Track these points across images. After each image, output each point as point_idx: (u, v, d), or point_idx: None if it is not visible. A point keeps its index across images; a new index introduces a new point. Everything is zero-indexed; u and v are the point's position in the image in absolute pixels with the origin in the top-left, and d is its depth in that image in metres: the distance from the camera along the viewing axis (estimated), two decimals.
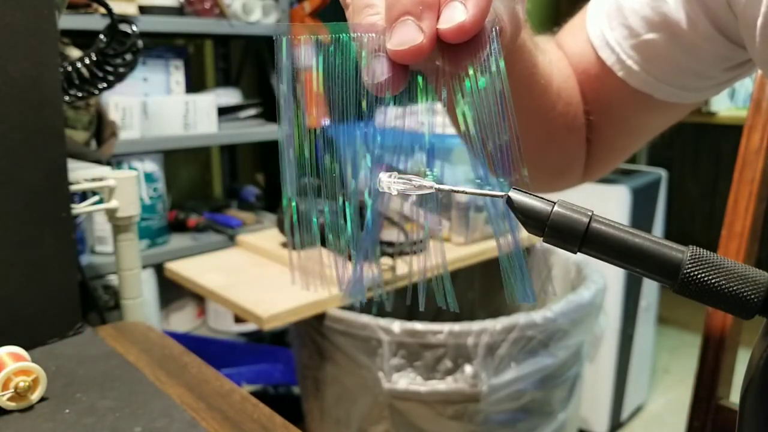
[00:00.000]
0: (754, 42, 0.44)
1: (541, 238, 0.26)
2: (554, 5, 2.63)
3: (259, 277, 1.18)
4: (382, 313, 1.11)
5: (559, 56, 0.55)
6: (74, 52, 0.93)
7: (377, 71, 0.31)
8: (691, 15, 0.47)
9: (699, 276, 0.24)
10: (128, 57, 0.75)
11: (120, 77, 0.76)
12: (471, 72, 0.31)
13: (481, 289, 1.64)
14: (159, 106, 1.55)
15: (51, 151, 0.57)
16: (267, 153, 2.06)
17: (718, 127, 2.42)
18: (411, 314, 1.61)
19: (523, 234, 0.28)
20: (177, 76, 1.66)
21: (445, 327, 1.06)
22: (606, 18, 0.52)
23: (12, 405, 0.46)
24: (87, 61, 0.74)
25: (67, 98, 0.75)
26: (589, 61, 0.54)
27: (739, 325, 0.68)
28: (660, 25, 0.49)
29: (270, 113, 1.82)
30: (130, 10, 1.46)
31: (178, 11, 1.58)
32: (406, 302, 0.35)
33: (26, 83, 0.54)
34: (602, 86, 0.54)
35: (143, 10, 1.52)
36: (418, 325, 1.06)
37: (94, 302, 1.02)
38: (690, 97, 0.52)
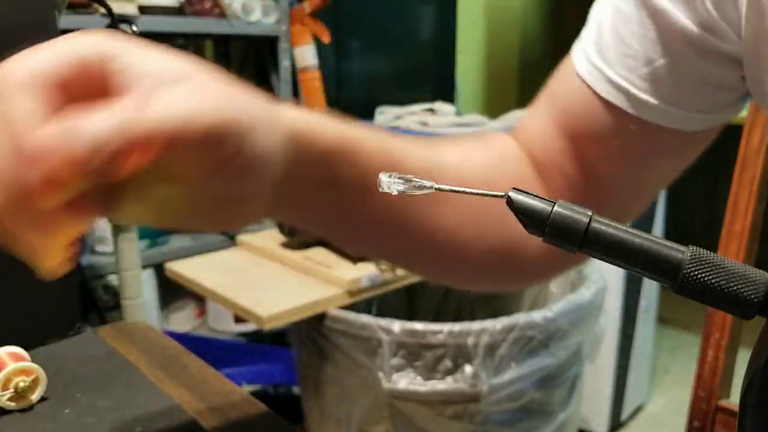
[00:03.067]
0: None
1: (542, 238, 0.26)
2: (554, 5, 2.64)
3: (259, 277, 1.18)
4: (382, 313, 1.11)
5: (486, 147, 0.48)
6: None
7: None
8: (700, 13, 0.41)
9: (699, 276, 0.24)
10: None
11: None
12: None
13: None
14: None
15: None
16: None
17: None
18: (411, 314, 1.61)
19: None
20: None
21: (445, 327, 1.06)
22: (599, 54, 0.44)
23: (12, 405, 0.46)
24: None
25: None
26: (590, 116, 0.45)
27: (739, 325, 0.68)
28: (670, 38, 0.42)
29: None
30: (130, 10, 1.46)
31: (178, 11, 1.58)
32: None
33: None
34: (623, 139, 0.45)
35: (143, 10, 1.51)
36: (418, 325, 1.06)
37: (94, 302, 1.02)
38: (715, 119, 0.45)
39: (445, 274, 0.51)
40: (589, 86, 0.45)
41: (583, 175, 0.48)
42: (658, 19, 0.42)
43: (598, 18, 0.45)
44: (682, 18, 0.41)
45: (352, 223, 0.42)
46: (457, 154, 0.46)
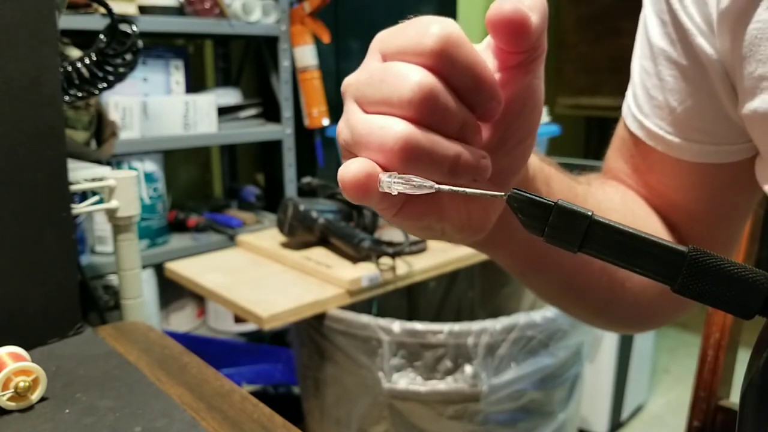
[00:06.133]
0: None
1: (542, 238, 0.26)
2: (554, 5, 2.64)
3: (259, 277, 1.18)
4: (382, 313, 1.11)
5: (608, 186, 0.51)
6: (74, 52, 0.93)
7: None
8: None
9: (699, 276, 0.24)
10: (128, 57, 0.75)
11: (120, 77, 0.76)
12: None
13: (481, 289, 1.64)
14: (159, 106, 1.55)
15: (51, 151, 0.57)
16: (267, 153, 2.06)
17: None
18: (411, 314, 1.61)
19: None
20: (177, 76, 1.66)
21: (445, 327, 1.06)
22: (637, 108, 0.48)
23: (12, 405, 0.46)
24: (87, 61, 0.74)
25: (67, 98, 0.75)
26: (685, 174, 0.48)
27: (739, 325, 0.68)
28: (690, 76, 0.44)
29: (270, 113, 1.82)
30: (130, 10, 1.46)
31: (178, 11, 1.58)
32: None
33: (26, 83, 0.54)
34: (715, 187, 0.48)
35: (143, 10, 1.51)
36: (418, 325, 1.06)
37: (94, 302, 1.02)
38: (745, 149, 0.47)
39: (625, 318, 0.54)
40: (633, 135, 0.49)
41: (668, 215, 0.52)
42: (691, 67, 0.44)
43: (633, 77, 0.49)
44: (709, 48, 0.42)
45: (542, 254, 0.44)
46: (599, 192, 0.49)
